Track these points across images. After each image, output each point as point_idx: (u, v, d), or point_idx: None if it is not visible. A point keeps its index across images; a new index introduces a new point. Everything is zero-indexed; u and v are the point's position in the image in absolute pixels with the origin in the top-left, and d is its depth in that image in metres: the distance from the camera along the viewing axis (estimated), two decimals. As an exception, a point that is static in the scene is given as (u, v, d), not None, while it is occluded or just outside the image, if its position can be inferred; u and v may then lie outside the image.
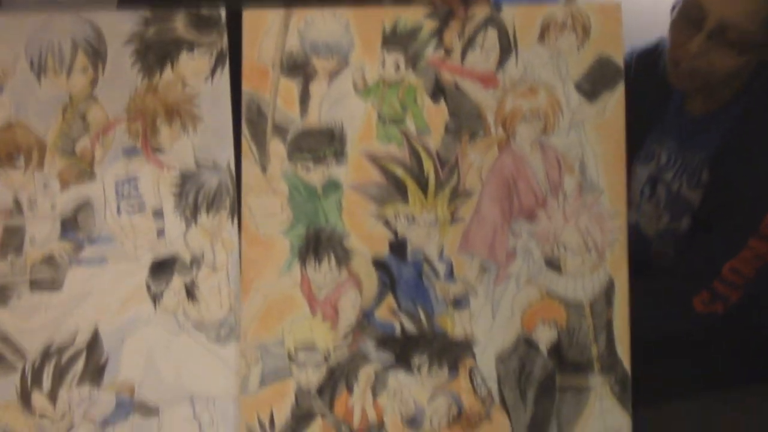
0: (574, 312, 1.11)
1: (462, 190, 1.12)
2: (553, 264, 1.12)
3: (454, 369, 1.10)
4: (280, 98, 1.11)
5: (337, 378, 1.10)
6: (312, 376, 1.09)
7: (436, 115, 1.12)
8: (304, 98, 1.12)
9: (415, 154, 1.12)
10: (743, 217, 1.21)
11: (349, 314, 1.11)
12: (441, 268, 1.11)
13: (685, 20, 1.24)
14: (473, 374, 1.10)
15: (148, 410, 1.06)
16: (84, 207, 1.05)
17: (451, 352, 1.11)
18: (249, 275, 1.10)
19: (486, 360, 1.11)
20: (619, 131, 1.11)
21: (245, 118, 1.10)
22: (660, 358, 1.21)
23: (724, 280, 1.23)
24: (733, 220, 1.21)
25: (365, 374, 1.10)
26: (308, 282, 1.10)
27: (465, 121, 1.12)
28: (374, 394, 1.09)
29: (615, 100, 1.11)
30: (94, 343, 1.05)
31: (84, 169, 1.06)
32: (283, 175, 1.11)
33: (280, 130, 1.11)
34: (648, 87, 1.29)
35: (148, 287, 1.08)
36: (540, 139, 1.12)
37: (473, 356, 1.11)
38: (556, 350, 1.11)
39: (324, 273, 1.10)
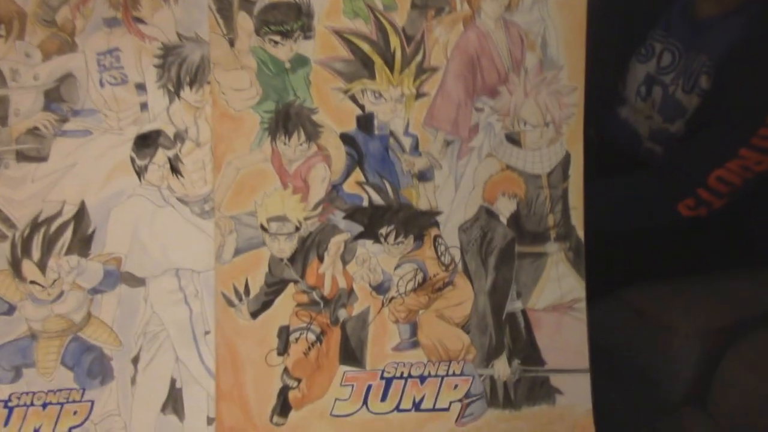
0: (533, 184, 1.17)
1: (427, 66, 1.14)
2: (513, 138, 1.16)
3: (419, 238, 1.15)
4: (247, -29, 1.11)
5: (308, 247, 1.14)
6: (284, 246, 1.13)
7: (402, -10, 1.14)
8: (271, -28, 1.13)
9: (381, 29, 1.13)
10: (737, 127, 1.18)
11: (318, 187, 1.14)
12: (406, 143, 1.15)
13: None
14: (437, 243, 1.16)
15: (135, 281, 1.09)
16: (67, 78, 1.04)
17: (416, 223, 1.15)
18: (220, 149, 1.11)
19: (449, 230, 1.16)
20: (580, 7, 1.15)
21: (213, -10, 1.10)
22: (640, 246, 1.26)
23: (710, 187, 1.20)
24: (725, 128, 1.17)
25: (335, 244, 1.14)
26: (278, 156, 1.13)
27: (430, -2, 1.14)
28: (344, 262, 1.14)
29: (576, -24, 1.15)
30: (80, 214, 1.06)
31: (65, 40, 1.04)
32: (251, 49, 1.12)
33: (247, 4, 1.11)
34: None
35: (133, 160, 1.09)
36: (504, 15, 1.15)
37: (437, 226, 1.15)
38: (515, 220, 1.17)
39: (294, 147, 1.13)
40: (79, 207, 1.06)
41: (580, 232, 1.17)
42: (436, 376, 1.15)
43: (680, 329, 1.25)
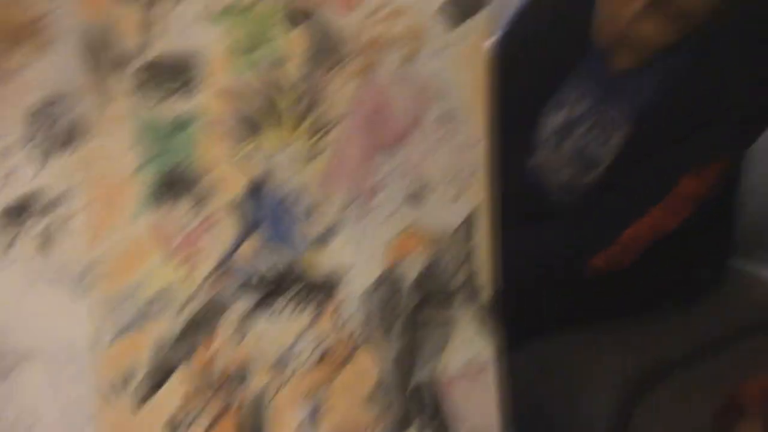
0: (437, 244, 1.10)
1: (323, 123, 1.07)
2: (415, 196, 1.10)
3: (318, 310, 1.07)
4: (120, 25, 1.01)
5: (197, 326, 1.03)
6: (170, 326, 1.03)
7: (295, 42, 1.05)
8: (148, 24, 1.02)
9: (273, 85, 1.05)
10: (653, 182, 1.13)
11: (207, 259, 1.04)
12: (303, 205, 1.07)
13: None
14: (338, 313, 1.08)
15: (4, 366, 0.96)
16: None
17: (314, 293, 1.07)
18: (98, 218, 1.01)
19: (351, 297, 1.08)
20: (480, 58, 1.09)
21: (83, 48, 0.98)
22: (547, 295, 1.22)
23: (621, 243, 1.16)
24: (641, 183, 1.13)
25: (226, 321, 1.05)
26: (162, 226, 1.03)
27: (325, 49, 1.06)
28: (237, 341, 1.05)
29: (478, 26, 1.09)
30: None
31: None
32: (130, 111, 1.02)
33: (124, 60, 1.01)
34: (564, 31, 1.18)
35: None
36: (402, 68, 1.08)
37: (338, 295, 1.08)
38: (420, 283, 1.10)
39: (179, 216, 1.03)
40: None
41: (489, 292, 1.11)
42: (342, 455, 1.07)
43: (591, 383, 1.21)
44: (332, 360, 1.07)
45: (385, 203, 1.09)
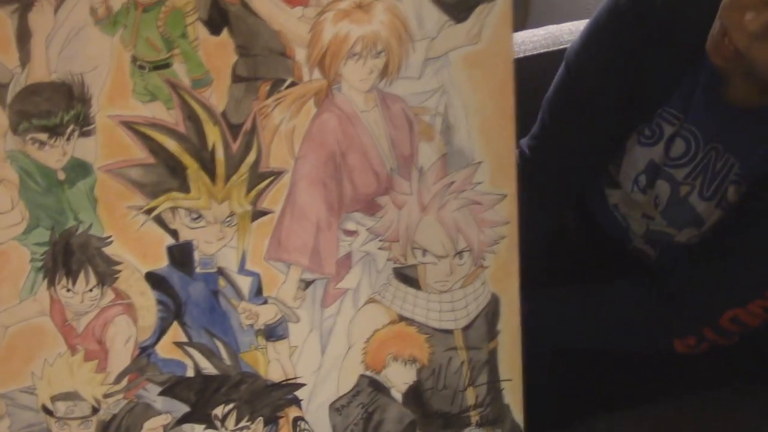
0: (440, 343, 0.75)
1: (266, 170, 0.72)
2: (407, 275, 0.74)
3: (272, 422, 0.78)
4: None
5: (112, 440, 0.79)
6: (78, 437, 0.79)
7: (218, 53, 0.71)
8: (23, 37, 0.73)
9: (192, 117, 0.72)
10: (763, 254, 0.88)
11: (120, 351, 0.77)
12: (244, 284, 0.75)
13: None
14: (298, 427, 0.78)
15: None
16: None
17: (266, 400, 0.77)
18: (-24, 299, 0.78)
19: (316, 409, 0.77)
20: (504, 70, 0.68)
21: None
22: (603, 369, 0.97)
23: (720, 328, 0.92)
24: (755, 260, 0.88)
25: (150, 430, 0.79)
26: (60, 307, 0.76)
27: (262, 62, 0.71)
28: (166, 460, 0.79)
29: (497, 17, 0.67)
30: None
31: None
32: (8, 155, 0.75)
33: (-12, 91, 0.73)
34: (676, 40, 0.85)
35: None
36: (379, 86, 0.70)
37: (298, 404, 0.77)
38: (415, 396, 0.76)
39: (80, 294, 0.76)
40: None
41: (518, 416, 0.75)
42: None
43: None
44: (293, 488, 0.79)
45: (361, 282, 0.74)
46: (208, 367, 0.77)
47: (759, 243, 0.89)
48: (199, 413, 0.77)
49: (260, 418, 0.77)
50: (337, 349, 0.75)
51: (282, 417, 0.77)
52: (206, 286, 0.76)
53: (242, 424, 0.77)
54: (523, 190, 0.69)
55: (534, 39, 1.18)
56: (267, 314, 0.75)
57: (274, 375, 0.76)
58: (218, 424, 0.78)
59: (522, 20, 1.50)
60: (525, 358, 0.72)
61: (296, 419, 0.77)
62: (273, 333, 0.76)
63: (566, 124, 0.94)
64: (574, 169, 0.96)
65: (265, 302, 0.75)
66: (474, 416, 0.75)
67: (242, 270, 0.76)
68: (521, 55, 1.12)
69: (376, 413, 0.76)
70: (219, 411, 0.78)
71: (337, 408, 0.76)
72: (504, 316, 0.73)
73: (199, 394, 0.77)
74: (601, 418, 0.99)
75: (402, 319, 0.74)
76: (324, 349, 0.75)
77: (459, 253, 0.72)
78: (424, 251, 0.72)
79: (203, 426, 0.78)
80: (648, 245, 1.00)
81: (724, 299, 0.92)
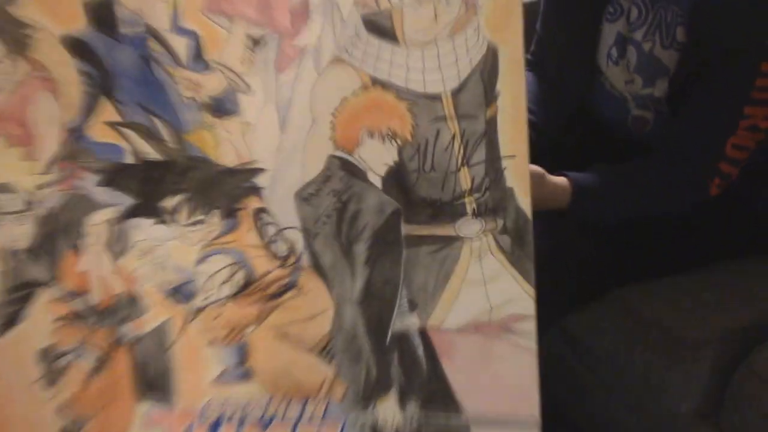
0: (425, 111, 0.57)
1: None
2: (380, 24, 0.56)
3: (230, 215, 0.63)
4: None
5: (53, 232, 0.66)
6: (15, 231, 0.66)
7: None
8: None
9: None
10: (733, 84, 0.95)
11: (46, 134, 0.63)
12: (180, 46, 0.58)
13: None
14: (261, 221, 0.63)
15: None
16: None
17: (219, 189, 0.62)
18: None
19: (280, 198, 0.62)
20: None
21: None
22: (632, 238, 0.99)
23: (729, 158, 0.97)
24: (722, 88, 0.96)
25: (93, 225, 0.65)
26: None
27: None
28: (114, 255, 0.66)
29: None
30: None
31: None
32: None
33: None
34: None
35: None
36: None
37: (258, 193, 0.62)
38: (397, 180, 0.60)
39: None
40: None
41: (524, 201, 0.58)
42: (285, 419, 0.69)
43: (688, 337, 0.90)
44: (261, 290, 0.65)
45: (325, 38, 0.56)
46: (149, 152, 0.62)
47: (714, 69, 0.94)
48: (145, 206, 0.64)
49: (216, 210, 0.63)
50: (298, 124, 0.59)
51: (241, 209, 0.63)
52: (135, 51, 0.60)
53: (195, 217, 0.63)
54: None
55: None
56: (210, 83, 0.59)
57: (227, 159, 0.61)
58: (168, 218, 0.64)
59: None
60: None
61: (258, 211, 0.63)
62: (221, 107, 0.60)
63: (554, 28, 1.05)
64: (568, 63, 1.05)
65: (207, 68, 0.59)
66: (469, 203, 0.59)
67: (176, 28, 0.59)
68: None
69: (352, 202, 0.61)
70: (168, 203, 0.64)
71: (304, 197, 0.61)
72: (504, 74, 0.55)
73: (143, 184, 0.63)
74: (628, 289, 0.96)
75: (376, 82, 0.57)
76: (283, 124, 0.59)
77: (445, -7, 0.54)
78: (401, -8, 0.54)
79: (152, 220, 0.64)
80: (641, 109, 1.03)
81: (718, 133, 0.96)
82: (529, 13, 0.90)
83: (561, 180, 0.90)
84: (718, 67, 0.96)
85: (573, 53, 1.05)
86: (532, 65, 1.06)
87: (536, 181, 0.83)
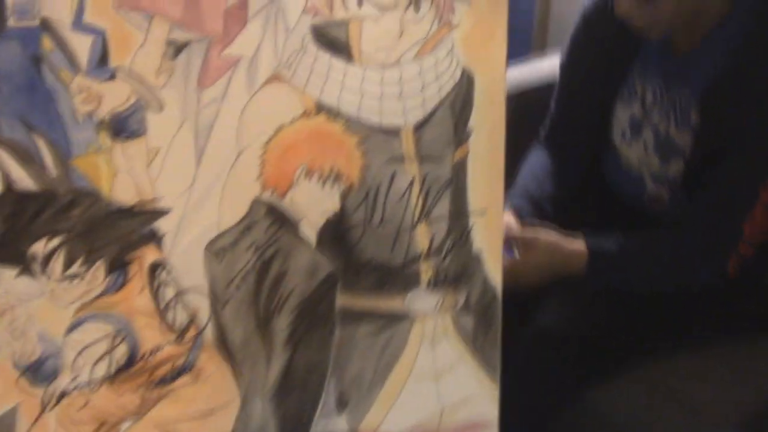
0: (379, 149, 0.48)
1: None
2: (332, 37, 0.46)
3: (119, 267, 0.50)
4: None
5: None
6: None
7: None
8: None
9: None
10: (746, 164, 0.96)
11: None
12: (81, 47, 0.48)
13: None
14: (157, 280, 0.50)
15: None
16: None
17: (108, 233, 0.50)
18: None
19: (185, 250, 0.49)
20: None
21: None
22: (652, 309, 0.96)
23: (746, 239, 0.97)
24: (736, 168, 0.96)
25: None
26: None
27: None
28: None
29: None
30: None
31: None
32: None
33: None
34: (622, 31, 1.01)
35: None
36: None
37: (157, 241, 0.50)
38: (336, 236, 0.49)
39: None
40: None
41: (494, 270, 0.47)
42: None
43: (710, 412, 0.90)
44: (147, 371, 0.51)
45: (261, 48, 0.46)
46: (23, 178, 0.49)
47: (732, 150, 0.94)
48: (7, 250, 0.50)
49: (100, 261, 0.50)
50: (220, 156, 0.47)
51: (133, 261, 0.49)
52: (23, 49, 0.48)
53: (73, 269, 0.50)
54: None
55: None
56: (115, 96, 0.48)
57: (122, 194, 0.48)
58: (37, 268, 0.50)
59: (541, 45, 1.59)
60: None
61: (154, 266, 0.49)
62: (123, 127, 0.48)
63: (569, 106, 1.06)
64: (581, 140, 1.05)
65: (113, 77, 0.48)
66: (425, 270, 0.48)
67: (79, 24, 0.48)
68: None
69: (276, 260, 0.48)
70: (38, 248, 0.50)
71: (216, 251, 0.48)
72: (480, 108, 0.45)
73: (7, 220, 0.49)
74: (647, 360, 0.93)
75: (321, 108, 0.47)
76: (200, 154, 0.48)
77: (414, 1, 0.45)
78: (361, -2, 0.45)
79: (13, 270, 0.50)
80: (658, 185, 1.03)
81: (735, 213, 0.95)
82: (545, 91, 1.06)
83: (577, 246, 0.88)
84: (733, 148, 0.97)
85: (586, 131, 1.06)
86: (544, 141, 1.07)
87: (550, 249, 0.86)
